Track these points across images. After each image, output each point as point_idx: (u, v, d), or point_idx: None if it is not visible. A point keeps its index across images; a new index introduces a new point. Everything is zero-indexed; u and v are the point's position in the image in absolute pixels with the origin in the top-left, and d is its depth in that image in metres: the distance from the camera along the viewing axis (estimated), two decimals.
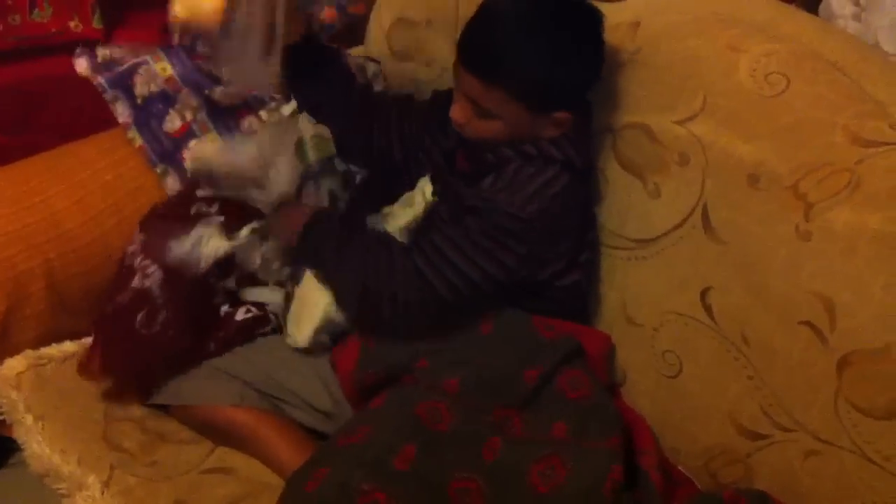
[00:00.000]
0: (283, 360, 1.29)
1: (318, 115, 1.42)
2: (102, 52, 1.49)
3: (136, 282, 1.32)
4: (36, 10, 1.78)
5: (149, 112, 1.48)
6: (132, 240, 1.36)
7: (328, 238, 1.25)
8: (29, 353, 1.39)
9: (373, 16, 1.64)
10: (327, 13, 1.75)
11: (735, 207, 1.15)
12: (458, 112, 1.22)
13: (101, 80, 1.47)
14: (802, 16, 1.26)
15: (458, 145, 1.28)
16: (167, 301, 1.30)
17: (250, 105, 1.50)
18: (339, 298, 1.25)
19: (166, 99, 1.47)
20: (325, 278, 1.25)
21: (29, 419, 1.30)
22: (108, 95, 1.48)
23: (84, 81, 1.82)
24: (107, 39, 1.86)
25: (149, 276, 1.32)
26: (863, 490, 1.04)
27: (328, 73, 1.41)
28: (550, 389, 1.17)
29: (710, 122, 1.19)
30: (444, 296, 1.18)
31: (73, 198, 1.47)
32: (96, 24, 1.82)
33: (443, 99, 1.30)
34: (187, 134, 1.47)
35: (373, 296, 1.19)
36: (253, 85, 1.44)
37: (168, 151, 1.48)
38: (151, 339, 1.29)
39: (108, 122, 1.63)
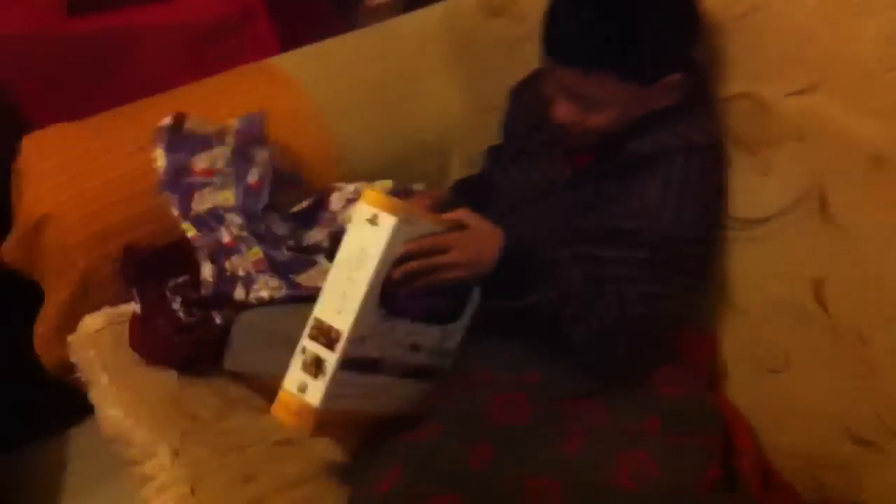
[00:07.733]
0: None
1: None
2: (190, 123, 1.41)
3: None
4: None
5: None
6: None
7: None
8: (108, 309, 1.40)
9: None
10: None
11: (856, 191, 1.06)
12: (562, 112, 1.12)
13: (164, 178, 1.39)
14: None
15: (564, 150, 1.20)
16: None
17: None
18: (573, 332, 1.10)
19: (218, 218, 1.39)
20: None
21: (104, 379, 1.30)
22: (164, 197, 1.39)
23: (167, 35, 1.84)
24: None
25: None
26: None
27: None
28: (644, 382, 1.12)
29: (830, 94, 1.09)
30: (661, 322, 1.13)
31: None
32: None
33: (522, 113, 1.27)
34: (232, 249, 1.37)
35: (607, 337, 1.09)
36: None
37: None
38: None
39: (190, 75, 1.61)
